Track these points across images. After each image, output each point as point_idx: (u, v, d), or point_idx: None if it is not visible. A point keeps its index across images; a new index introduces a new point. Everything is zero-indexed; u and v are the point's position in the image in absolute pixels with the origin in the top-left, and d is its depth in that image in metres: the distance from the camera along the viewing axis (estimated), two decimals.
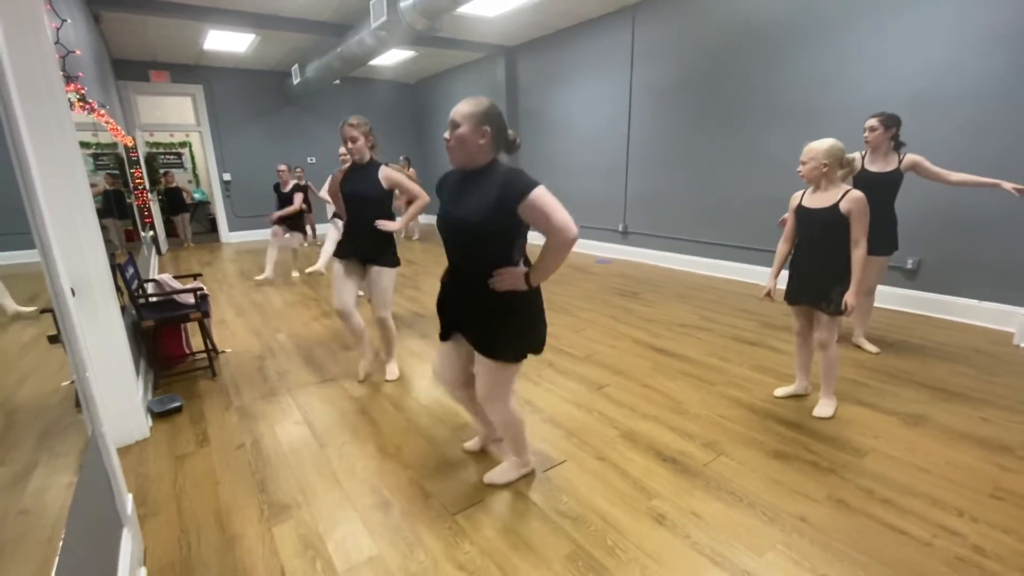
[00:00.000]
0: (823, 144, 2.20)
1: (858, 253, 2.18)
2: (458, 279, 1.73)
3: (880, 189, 2.94)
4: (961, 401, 2.53)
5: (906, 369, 2.92)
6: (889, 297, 4.03)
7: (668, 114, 5.54)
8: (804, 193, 2.35)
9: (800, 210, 2.34)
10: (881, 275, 3.12)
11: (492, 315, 1.67)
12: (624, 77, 5.90)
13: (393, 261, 2.74)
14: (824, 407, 2.44)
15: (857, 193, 2.17)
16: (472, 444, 2.22)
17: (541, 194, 1.51)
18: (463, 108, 1.57)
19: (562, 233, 1.50)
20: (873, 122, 2.92)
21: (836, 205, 2.19)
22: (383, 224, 2.63)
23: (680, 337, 3.53)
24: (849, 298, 2.20)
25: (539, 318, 1.76)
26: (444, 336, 1.87)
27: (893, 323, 3.65)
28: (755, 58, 4.66)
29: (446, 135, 1.60)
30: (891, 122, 2.90)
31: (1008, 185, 2.75)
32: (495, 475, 1.98)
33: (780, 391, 2.65)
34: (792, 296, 2.44)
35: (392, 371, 3.00)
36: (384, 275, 2.72)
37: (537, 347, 1.76)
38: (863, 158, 3.04)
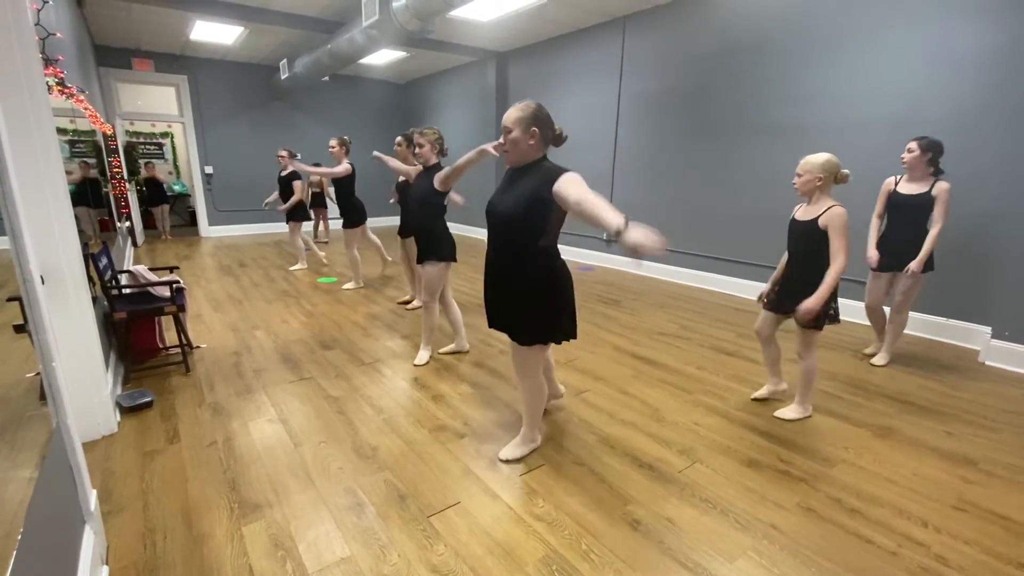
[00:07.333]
0: (819, 158, 2.25)
1: (833, 268, 2.19)
2: None
3: (908, 210, 3.03)
4: (928, 415, 2.60)
5: (877, 383, 2.99)
6: (863, 313, 4.12)
7: (655, 126, 5.62)
8: (799, 208, 2.39)
9: (790, 223, 2.40)
10: (910, 295, 3.11)
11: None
12: (613, 88, 5.97)
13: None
14: (788, 411, 2.53)
15: (838, 209, 2.20)
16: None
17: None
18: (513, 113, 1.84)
19: None
20: (912, 144, 2.97)
21: (816, 219, 2.24)
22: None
23: (660, 345, 3.57)
24: (805, 303, 2.20)
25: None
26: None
27: (867, 338, 3.74)
28: (741, 74, 4.76)
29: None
30: (929, 147, 2.93)
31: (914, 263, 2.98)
32: (507, 451, 2.19)
33: (757, 393, 2.73)
34: (773, 304, 2.49)
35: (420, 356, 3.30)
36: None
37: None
38: (896, 181, 3.11)
